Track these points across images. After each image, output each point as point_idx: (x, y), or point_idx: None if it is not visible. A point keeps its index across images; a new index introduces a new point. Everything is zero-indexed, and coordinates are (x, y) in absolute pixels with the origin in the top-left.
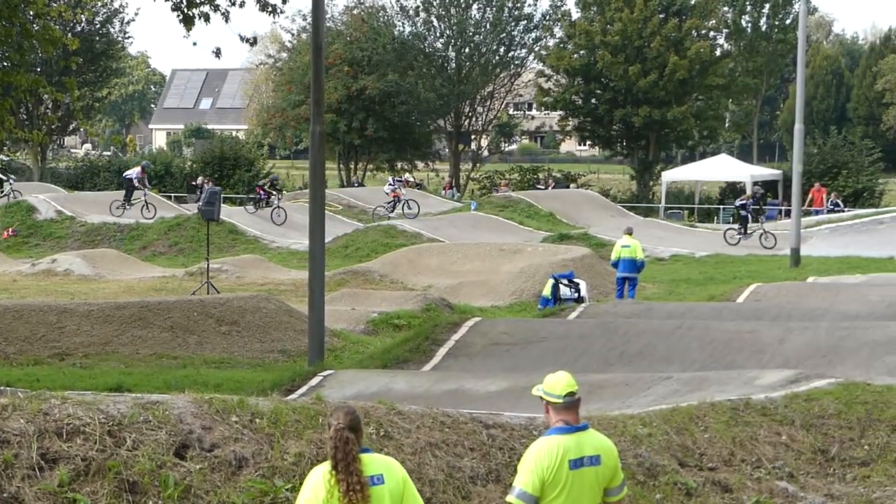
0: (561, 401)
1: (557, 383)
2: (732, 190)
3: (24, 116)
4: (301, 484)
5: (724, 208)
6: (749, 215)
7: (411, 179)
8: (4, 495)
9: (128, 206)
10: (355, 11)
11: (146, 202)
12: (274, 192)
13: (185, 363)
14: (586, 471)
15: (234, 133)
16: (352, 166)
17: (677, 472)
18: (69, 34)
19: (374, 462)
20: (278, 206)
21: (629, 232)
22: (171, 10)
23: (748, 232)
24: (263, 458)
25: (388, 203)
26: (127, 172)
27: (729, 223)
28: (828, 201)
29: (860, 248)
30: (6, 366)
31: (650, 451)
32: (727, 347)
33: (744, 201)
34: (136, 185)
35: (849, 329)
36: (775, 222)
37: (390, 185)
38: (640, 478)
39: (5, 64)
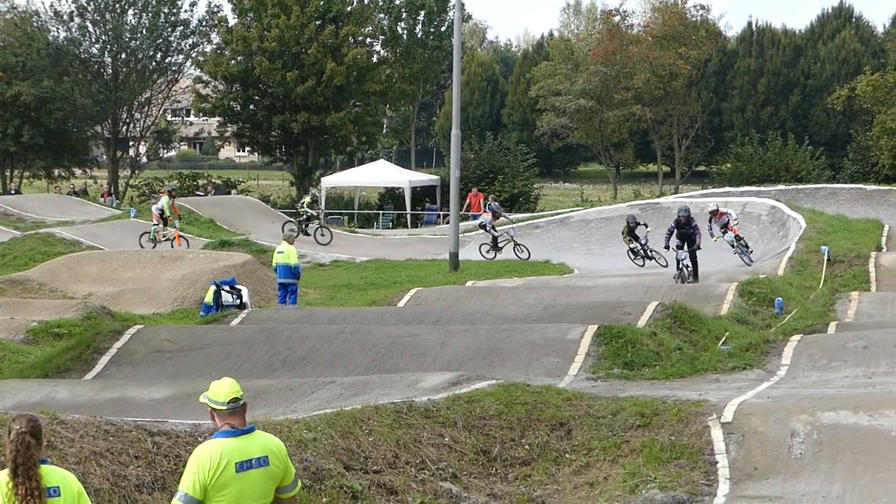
0: (225, 407)
1: (221, 390)
2: (391, 195)
3: None
4: None
5: (383, 213)
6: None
7: (494, 207)
8: None
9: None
10: (8, 16)
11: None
12: (313, 211)
13: None
14: (254, 472)
15: None
16: (7, 173)
17: (343, 476)
18: None
19: (52, 474)
20: (321, 226)
21: (287, 238)
22: None
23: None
24: None
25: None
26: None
27: (388, 227)
28: (485, 205)
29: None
30: None
31: (316, 455)
32: (389, 351)
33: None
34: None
35: (508, 331)
36: (434, 227)
37: (490, 209)
38: (307, 482)
39: None
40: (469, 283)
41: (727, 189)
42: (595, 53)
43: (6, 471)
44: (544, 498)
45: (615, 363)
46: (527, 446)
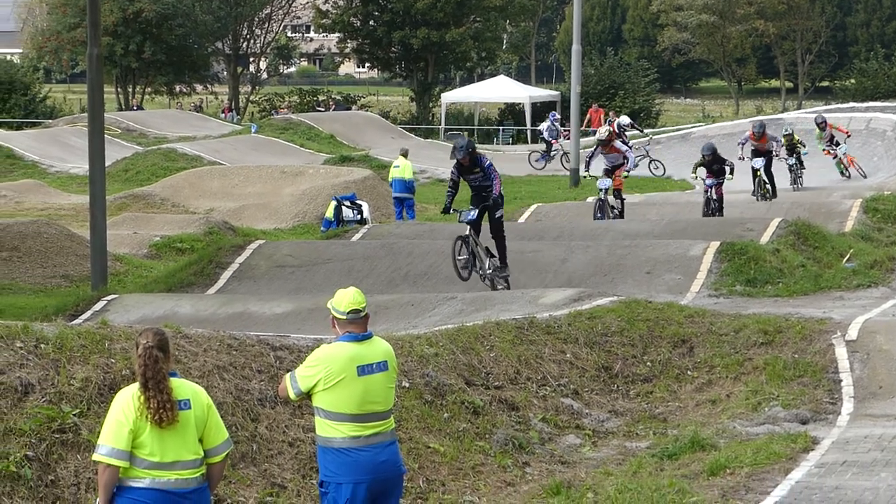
0: (344, 317)
1: (343, 299)
2: (511, 111)
3: None
4: (89, 409)
5: (503, 129)
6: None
7: (625, 122)
8: None
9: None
10: None
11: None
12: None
13: None
14: (376, 376)
15: (8, 56)
16: (130, 90)
17: (464, 391)
18: None
19: (182, 387)
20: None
21: (404, 153)
22: None
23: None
24: (50, 383)
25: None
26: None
27: (508, 143)
28: (605, 120)
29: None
30: None
31: (437, 370)
32: (511, 267)
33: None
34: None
35: (629, 248)
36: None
37: (551, 124)
38: (428, 397)
39: None
40: (590, 199)
41: (851, 104)
42: None
43: (137, 384)
44: (666, 415)
45: (737, 280)
46: (648, 363)
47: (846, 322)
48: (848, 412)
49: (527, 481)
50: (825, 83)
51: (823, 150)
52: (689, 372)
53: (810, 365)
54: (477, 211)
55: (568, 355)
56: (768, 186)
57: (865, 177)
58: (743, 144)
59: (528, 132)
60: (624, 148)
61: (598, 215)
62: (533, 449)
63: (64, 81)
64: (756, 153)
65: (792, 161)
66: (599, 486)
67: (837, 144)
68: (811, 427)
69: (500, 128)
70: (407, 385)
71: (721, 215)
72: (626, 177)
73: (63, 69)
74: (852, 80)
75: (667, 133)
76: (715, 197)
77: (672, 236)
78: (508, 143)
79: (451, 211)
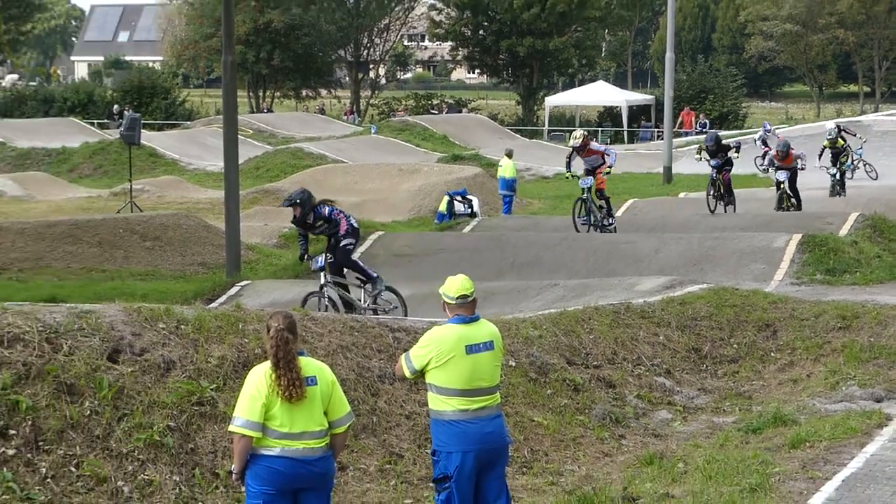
0: (454, 301)
1: (453, 285)
2: (609, 114)
3: None
4: (224, 384)
5: (601, 130)
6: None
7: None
8: None
9: None
10: None
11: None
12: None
13: (113, 276)
14: (483, 355)
15: (150, 64)
16: (260, 94)
17: (566, 370)
18: None
19: (309, 365)
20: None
21: (508, 154)
22: None
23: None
24: (189, 360)
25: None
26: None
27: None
28: (696, 123)
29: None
30: None
31: (541, 350)
32: (608, 257)
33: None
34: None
35: (718, 239)
36: (648, 143)
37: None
38: (533, 375)
39: None
40: (682, 195)
41: None
42: None
43: (268, 363)
44: (751, 393)
45: (818, 269)
46: (735, 345)
47: None
48: None
49: (622, 452)
50: None
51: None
52: (772, 354)
53: (885, 348)
54: (323, 256)
55: (661, 338)
56: (793, 200)
57: None
58: (763, 160)
59: (625, 133)
60: (602, 148)
61: (584, 217)
62: (628, 423)
63: (200, 86)
64: (781, 167)
65: (834, 171)
66: (689, 457)
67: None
68: (885, 405)
69: (599, 129)
70: (513, 364)
71: (730, 203)
72: (608, 174)
73: (200, 75)
74: None
75: (752, 134)
76: (723, 183)
77: (757, 229)
78: (607, 143)
79: (306, 259)
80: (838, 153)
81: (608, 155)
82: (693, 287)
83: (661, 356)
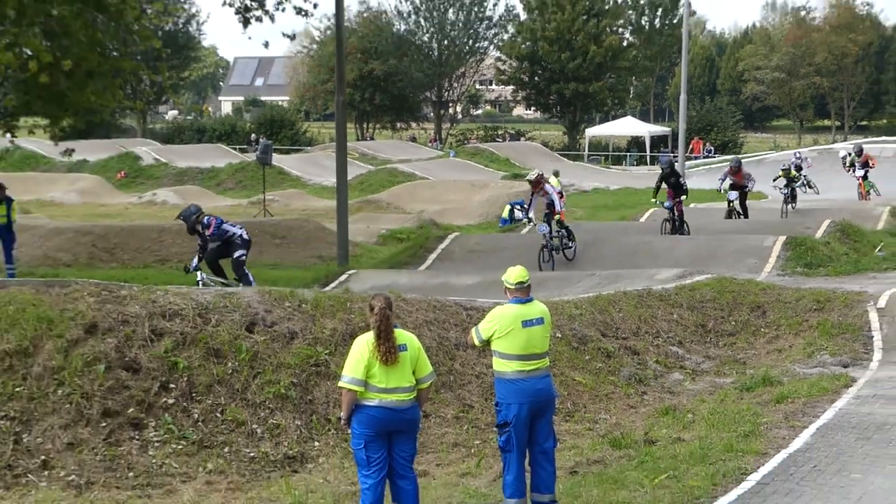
0: (513, 286)
1: (512, 274)
2: (636, 142)
3: (129, 91)
4: (335, 350)
5: (629, 155)
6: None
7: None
8: (126, 359)
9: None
10: (365, 14)
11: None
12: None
13: (249, 266)
14: (535, 328)
15: (280, 103)
16: (364, 125)
17: (600, 340)
18: (158, 33)
19: (401, 335)
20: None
21: (555, 173)
22: (234, 14)
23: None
24: (308, 331)
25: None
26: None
27: (634, 165)
28: (703, 149)
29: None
30: (123, 268)
31: (581, 325)
32: (634, 254)
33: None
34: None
35: (719, 240)
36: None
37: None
38: (574, 344)
39: (115, 53)
40: (692, 206)
41: (883, 138)
42: (786, 39)
43: (371, 333)
44: (745, 360)
45: (798, 263)
46: (733, 322)
47: (877, 294)
48: (877, 359)
49: (644, 405)
50: (864, 123)
51: (850, 171)
52: (762, 329)
53: (850, 325)
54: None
55: (675, 316)
56: (741, 215)
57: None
58: (723, 179)
59: (648, 157)
60: (550, 189)
61: (547, 259)
62: (649, 382)
63: (318, 120)
64: (733, 186)
65: (786, 191)
66: (696, 409)
67: (864, 173)
68: (850, 370)
69: (628, 154)
70: (559, 336)
71: (683, 232)
72: (563, 209)
73: (318, 111)
74: (885, 120)
75: (747, 158)
76: (676, 213)
77: (751, 232)
78: (634, 165)
79: (191, 271)
80: (791, 178)
81: (553, 198)
82: (700, 277)
83: (674, 330)
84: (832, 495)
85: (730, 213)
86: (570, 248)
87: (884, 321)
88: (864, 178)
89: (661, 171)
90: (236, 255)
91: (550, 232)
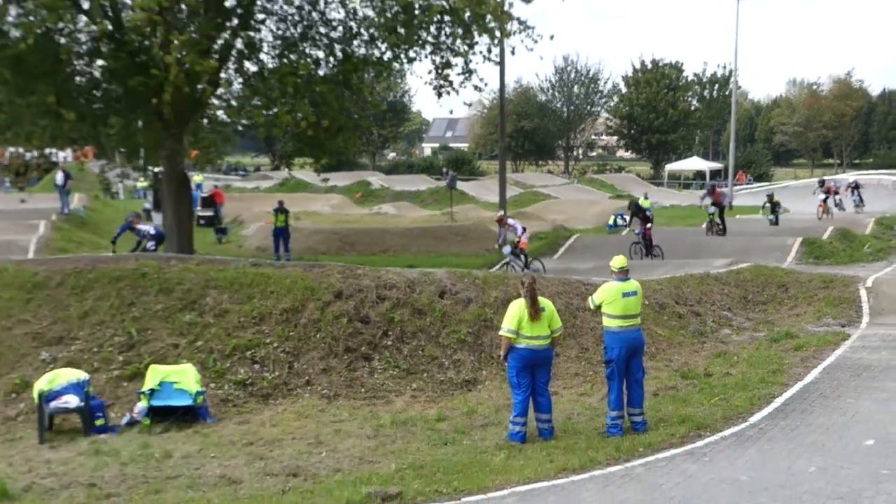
0: (617, 270)
1: (616, 261)
2: (699, 174)
3: (365, 140)
4: (497, 310)
5: (695, 182)
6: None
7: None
8: (360, 315)
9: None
10: (518, 89)
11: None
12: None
13: (441, 255)
14: (631, 298)
15: (462, 147)
16: (517, 163)
17: (674, 307)
18: (384, 102)
19: (542, 301)
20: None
21: (644, 195)
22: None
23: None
24: (479, 298)
25: None
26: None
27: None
28: (746, 179)
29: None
30: (359, 256)
31: (661, 296)
32: (698, 249)
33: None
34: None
35: (756, 239)
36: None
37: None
38: (657, 309)
39: (356, 115)
40: (737, 217)
41: (870, 171)
42: (803, 105)
43: (522, 300)
44: (773, 321)
45: (810, 256)
46: (765, 295)
47: (866, 277)
48: (865, 322)
49: (704, 350)
50: (857, 161)
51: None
52: (785, 300)
53: (847, 298)
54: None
55: (725, 291)
56: (721, 227)
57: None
58: (703, 197)
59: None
60: (514, 223)
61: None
62: (707, 335)
63: (487, 159)
64: (713, 203)
65: (771, 217)
66: (739, 354)
67: (825, 198)
68: (847, 329)
69: (693, 181)
70: (647, 303)
71: (651, 255)
72: (527, 240)
73: (487, 153)
74: (871, 159)
75: (775, 186)
76: (643, 238)
77: (776, 234)
78: (698, 189)
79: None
80: (775, 204)
81: (516, 228)
82: (743, 264)
83: (725, 300)
84: (833, 413)
85: (711, 226)
86: (534, 267)
87: (870, 295)
88: (825, 201)
89: (630, 209)
90: (147, 245)
91: (512, 253)
